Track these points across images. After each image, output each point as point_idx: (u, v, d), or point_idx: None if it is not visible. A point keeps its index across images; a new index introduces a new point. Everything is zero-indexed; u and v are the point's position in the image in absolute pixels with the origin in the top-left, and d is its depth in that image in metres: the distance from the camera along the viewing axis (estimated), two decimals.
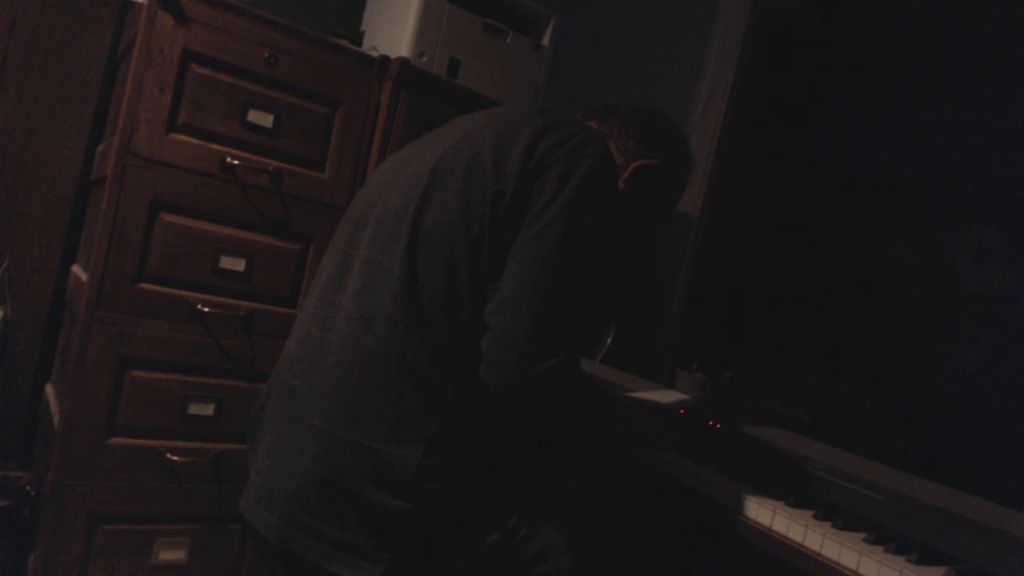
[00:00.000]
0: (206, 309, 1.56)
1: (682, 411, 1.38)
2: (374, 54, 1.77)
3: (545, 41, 2.07)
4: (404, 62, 1.74)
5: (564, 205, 0.96)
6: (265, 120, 1.61)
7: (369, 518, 0.94)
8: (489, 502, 1.04)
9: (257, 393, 1.17)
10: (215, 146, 1.56)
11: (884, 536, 0.93)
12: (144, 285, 1.52)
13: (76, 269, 1.78)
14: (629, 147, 1.23)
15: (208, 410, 1.60)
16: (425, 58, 1.84)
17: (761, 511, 1.00)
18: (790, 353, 1.68)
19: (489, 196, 0.98)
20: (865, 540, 0.91)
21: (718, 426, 1.31)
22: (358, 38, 2.00)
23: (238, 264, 1.60)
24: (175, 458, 1.56)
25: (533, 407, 0.99)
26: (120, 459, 1.52)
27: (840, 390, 1.51)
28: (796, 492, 1.06)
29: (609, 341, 1.87)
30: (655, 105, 1.31)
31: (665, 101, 2.04)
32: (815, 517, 0.97)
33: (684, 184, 1.32)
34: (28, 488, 1.67)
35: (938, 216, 1.53)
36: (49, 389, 1.80)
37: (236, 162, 1.57)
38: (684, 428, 1.29)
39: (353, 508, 0.94)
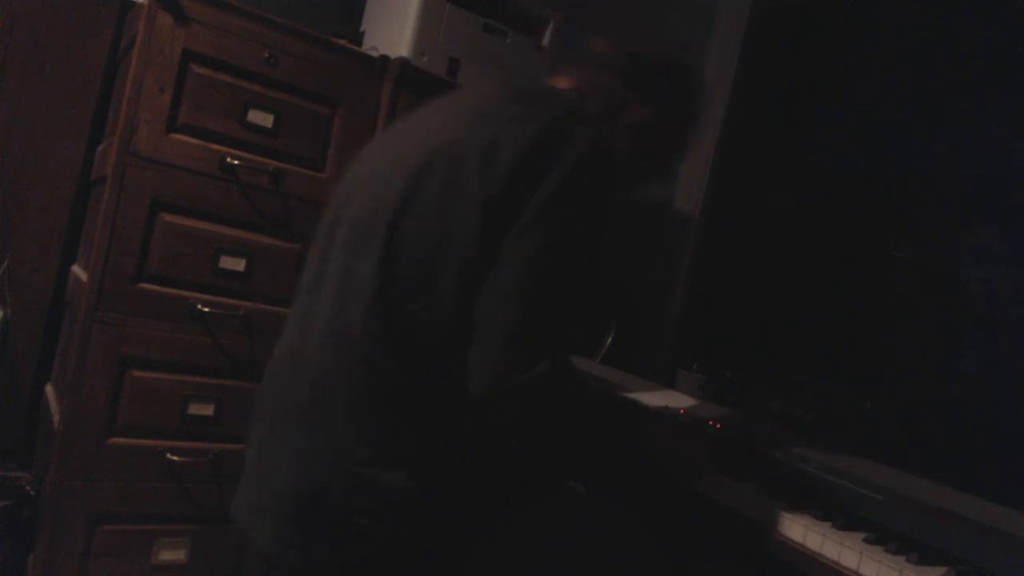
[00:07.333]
0: (206, 309, 1.56)
1: (681, 411, 1.38)
2: (374, 54, 1.77)
3: (545, 41, 2.07)
4: (404, 62, 1.74)
5: (544, 206, 0.88)
6: (265, 120, 1.61)
7: (357, 540, 0.92)
8: (475, 520, 1.01)
9: None
10: (215, 146, 1.56)
11: (884, 536, 0.92)
12: (144, 285, 1.52)
13: (76, 269, 1.78)
14: (616, 93, 1.11)
15: (208, 410, 1.60)
16: (425, 58, 1.84)
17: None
18: (790, 353, 1.68)
19: (477, 205, 0.89)
20: (865, 540, 0.91)
21: (718, 426, 1.31)
22: (358, 38, 2.00)
23: (238, 264, 1.60)
24: (175, 458, 1.56)
25: (510, 418, 0.94)
26: (120, 459, 1.52)
27: (840, 390, 1.51)
28: (796, 493, 1.06)
29: (609, 341, 1.87)
30: (641, 27, 1.18)
31: None
32: (815, 517, 0.97)
33: (692, 120, 1.19)
34: (28, 488, 1.67)
35: (938, 216, 1.52)
36: (49, 389, 1.80)
37: (236, 162, 1.57)
38: (686, 432, 1.29)
39: (341, 530, 0.92)
